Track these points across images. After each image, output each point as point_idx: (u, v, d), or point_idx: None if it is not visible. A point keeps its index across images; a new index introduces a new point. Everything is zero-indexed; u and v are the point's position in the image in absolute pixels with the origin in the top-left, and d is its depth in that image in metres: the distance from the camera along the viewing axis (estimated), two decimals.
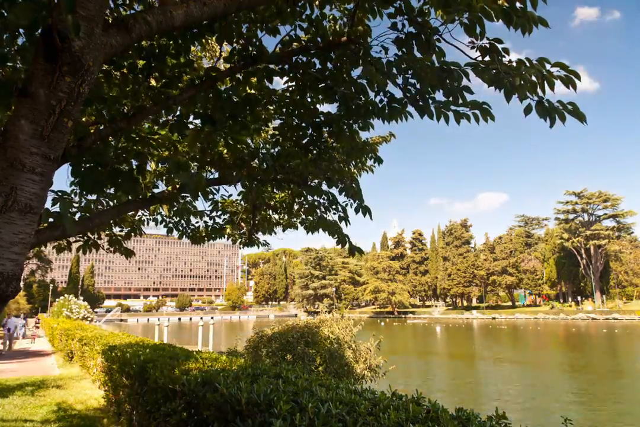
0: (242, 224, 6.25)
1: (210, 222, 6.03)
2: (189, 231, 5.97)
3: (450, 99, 3.21)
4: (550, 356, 28.52)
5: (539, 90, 2.84)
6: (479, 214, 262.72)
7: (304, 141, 4.70)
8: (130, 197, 4.07)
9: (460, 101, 3.19)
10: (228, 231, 6.26)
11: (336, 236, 4.93)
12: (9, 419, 7.34)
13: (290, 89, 4.40)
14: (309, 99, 4.51)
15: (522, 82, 2.83)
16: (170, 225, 5.85)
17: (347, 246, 4.84)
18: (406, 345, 36.53)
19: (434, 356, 28.38)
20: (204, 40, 4.58)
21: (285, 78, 4.19)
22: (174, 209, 5.44)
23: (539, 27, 2.83)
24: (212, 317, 63.40)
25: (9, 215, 1.94)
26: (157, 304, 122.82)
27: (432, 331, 55.43)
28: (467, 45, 3.00)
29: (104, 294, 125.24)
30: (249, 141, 5.49)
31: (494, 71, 2.93)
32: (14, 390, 10.06)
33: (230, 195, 5.94)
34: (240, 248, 8.82)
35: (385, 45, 3.49)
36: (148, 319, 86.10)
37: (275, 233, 6.40)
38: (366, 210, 4.70)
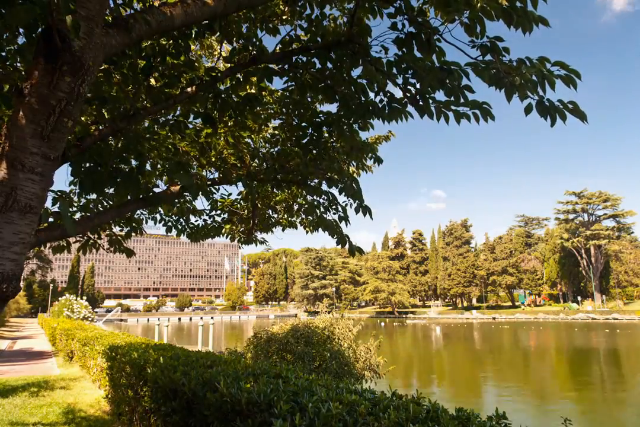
0: (242, 223, 6.26)
1: (209, 221, 6.04)
2: (187, 229, 5.97)
3: (452, 98, 3.21)
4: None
5: (539, 89, 2.84)
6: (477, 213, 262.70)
7: (304, 141, 4.70)
8: (130, 197, 4.07)
9: (462, 100, 3.18)
10: (227, 229, 6.27)
11: (336, 236, 4.93)
12: (8, 419, 7.33)
13: (290, 88, 4.39)
14: (309, 99, 4.50)
15: (522, 81, 2.83)
16: (170, 224, 5.86)
17: (347, 246, 4.84)
18: (405, 352, 35.90)
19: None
20: (204, 40, 4.58)
21: (285, 78, 4.19)
22: (174, 208, 5.44)
23: (539, 26, 2.82)
24: (212, 317, 63.37)
25: (9, 215, 1.94)
26: (157, 304, 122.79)
27: (432, 332, 55.29)
28: (468, 45, 3.00)
29: (104, 294, 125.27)
30: (249, 141, 5.49)
31: (494, 71, 2.93)
32: (14, 390, 10.06)
33: (230, 194, 5.94)
34: (240, 247, 8.83)
35: (385, 45, 3.49)
36: (148, 319, 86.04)
37: (273, 232, 6.41)
38: (366, 210, 4.69)
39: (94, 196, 4.42)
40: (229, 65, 4.24)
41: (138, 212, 5.45)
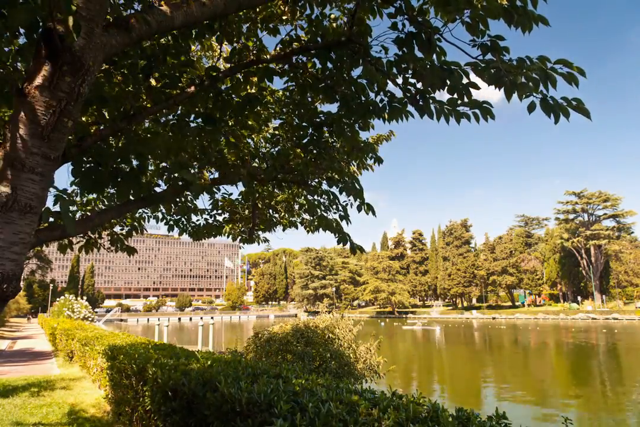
0: (242, 222, 6.26)
1: (210, 220, 6.05)
2: (189, 228, 5.98)
3: (455, 95, 3.19)
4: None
5: (541, 87, 2.84)
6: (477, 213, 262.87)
7: (304, 141, 4.70)
8: (131, 197, 4.07)
9: (465, 99, 3.17)
10: (228, 228, 6.27)
11: (337, 234, 4.93)
12: (9, 420, 7.33)
13: (291, 88, 4.39)
14: (309, 99, 4.50)
15: (524, 80, 2.82)
16: (171, 222, 5.87)
17: (348, 244, 4.84)
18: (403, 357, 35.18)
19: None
20: (204, 40, 4.58)
21: (286, 78, 4.19)
22: (175, 208, 5.44)
23: (539, 25, 2.82)
24: (212, 317, 63.35)
25: (9, 215, 1.94)
26: (157, 304, 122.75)
27: (432, 332, 55.18)
28: (468, 44, 3.00)
29: (104, 294, 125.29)
30: (250, 141, 5.49)
31: (495, 70, 2.93)
32: (14, 390, 10.06)
33: (231, 194, 5.95)
34: (240, 247, 8.82)
35: (385, 45, 3.49)
36: (148, 319, 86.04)
37: (275, 231, 6.41)
38: (369, 208, 4.69)
39: (94, 196, 4.42)
40: (229, 65, 4.24)
41: (140, 210, 5.45)
